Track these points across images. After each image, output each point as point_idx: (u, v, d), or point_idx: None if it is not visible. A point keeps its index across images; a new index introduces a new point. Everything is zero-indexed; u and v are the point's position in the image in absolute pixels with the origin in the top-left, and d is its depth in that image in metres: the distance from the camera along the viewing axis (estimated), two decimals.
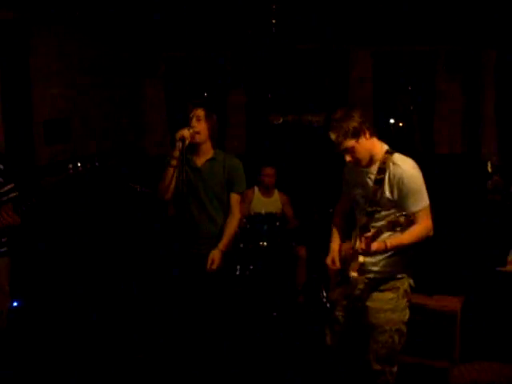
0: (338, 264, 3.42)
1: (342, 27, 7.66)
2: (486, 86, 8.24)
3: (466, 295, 4.81)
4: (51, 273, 5.82)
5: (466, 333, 4.60)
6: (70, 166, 3.79)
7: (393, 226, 2.95)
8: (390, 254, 3.24)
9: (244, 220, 5.67)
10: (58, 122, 6.76)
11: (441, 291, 4.84)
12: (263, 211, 5.87)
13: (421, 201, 3.15)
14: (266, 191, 6.29)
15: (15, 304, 5.18)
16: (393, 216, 3.07)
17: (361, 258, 3.16)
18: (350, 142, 3.18)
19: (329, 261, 3.45)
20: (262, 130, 8.95)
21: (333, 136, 3.22)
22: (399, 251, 3.22)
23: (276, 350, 4.92)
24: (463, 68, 8.32)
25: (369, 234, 3.05)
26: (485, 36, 7.74)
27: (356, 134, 3.16)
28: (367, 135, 3.20)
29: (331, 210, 4.84)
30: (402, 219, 2.92)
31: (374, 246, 3.02)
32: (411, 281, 3.38)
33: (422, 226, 3.13)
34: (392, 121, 9.03)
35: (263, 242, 5.62)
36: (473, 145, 8.39)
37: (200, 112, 3.93)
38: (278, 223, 5.74)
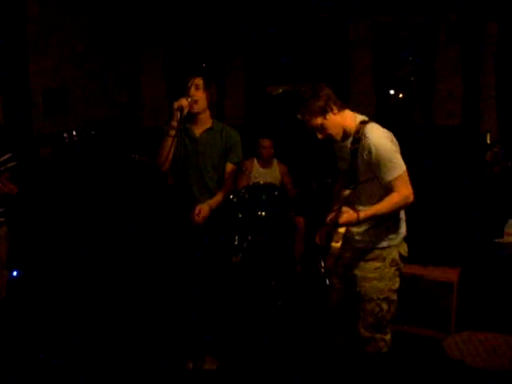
0: (323, 241, 3.44)
1: None
2: (486, 58, 8.20)
3: (463, 266, 4.84)
4: (49, 243, 5.84)
5: (462, 303, 4.64)
6: (66, 135, 3.80)
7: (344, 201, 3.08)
8: (373, 223, 3.25)
9: (242, 190, 5.67)
10: (56, 91, 6.73)
11: (438, 262, 4.86)
12: (262, 181, 5.87)
13: (394, 169, 3.10)
14: (265, 162, 6.29)
15: (14, 274, 5.21)
16: (377, 181, 3.14)
17: (341, 229, 3.20)
18: (318, 120, 3.19)
19: (317, 238, 3.50)
20: (260, 101, 8.91)
21: (299, 116, 3.24)
22: (382, 220, 3.23)
23: (274, 320, 4.96)
24: (464, 39, 8.27)
25: (335, 207, 3.11)
26: (487, 8, 7.68)
27: (322, 112, 3.17)
28: (335, 110, 3.19)
29: (329, 181, 4.86)
30: (345, 193, 3.07)
31: (344, 217, 3.06)
32: (402, 250, 3.37)
33: (399, 194, 3.10)
34: (392, 92, 9.00)
35: (261, 212, 5.62)
36: (472, 117, 8.37)
37: (198, 81, 3.89)
38: (276, 193, 5.72)
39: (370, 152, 3.11)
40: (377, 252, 3.32)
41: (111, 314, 5.03)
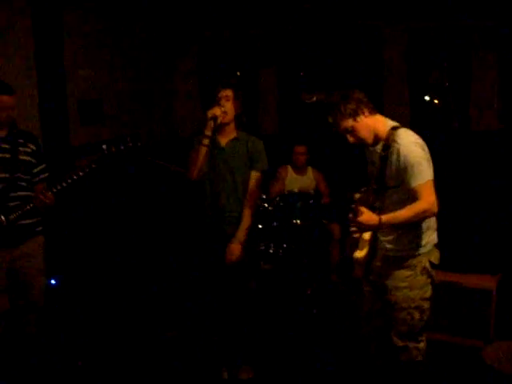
0: (348, 249, 3.48)
1: (375, 2, 7.56)
2: None
3: (503, 273, 4.76)
4: (87, 252, 5.92)
5: (501, 312, 4.56)
6: (104, 146, 3.85)
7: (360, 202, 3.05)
8: (402, 231, 3.22)
9: (277, 198, 5.68)
10: (92, 102, 6.83)
11: (477, 269, 4.79)
12: (297, 189, 5.87)
13: (420, 175, 3.06)
14: (300, 169, 6.29)
15: (53, 282, 5.29)
16: (405, 189, 3.10)
17: (366, 236, 3.17)
18: (348, 122, 3.18)
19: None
20: (294, 109, 8.91)
21: (330, 119, 3.24)
22: (411, 228, 3.20)
23: (309, 329, 4.94)
24: (499, 44, 8.16)
25: (353, 205, 3.06)
26: None
27: (353, 114, 3.16)
28: (366, 113, 3.18)
29: (364, 189, 4.83)
30: (356, 195, 3.07)
31: (364, 217, 3.00)
32: (433, 257, 3.33)
33: (423, 202, 3.05)
34: (427, 98, 8.91)
35: (296, 220, 5.62)
36: (509, 121, 8.24)
37: (229, 92, 3.94)
38: (311, 201, 5.72)
39: (398, 156, 3.10)
40: (407, 260, 3.29)
41: (148, 322, 5.07)
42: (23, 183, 3.96)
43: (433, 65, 8.71)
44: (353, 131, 3.21)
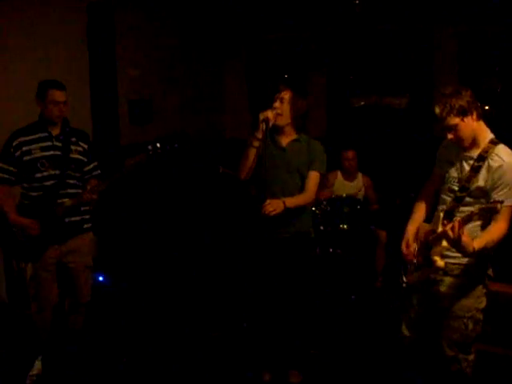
0: (411, 248, 3.35)
1: (425, 6, 7.46)
2: None
3: None
4: (135, 250, 5.98)
5: None
6: (150, 147, 3.90)
7: (486, 212, 2.81)
8: None
9: (324, 202, 5.64)
10: (141, 102, 6.91)
11: None
12: (344, 194, 5.82)
13: (511, 197, 3.02)
14: (349, 175, 6.22)
15: (100, 279, 5.36)
16: (484, 202, 3.01)
17: (444, 243, 3.06)
18: (455, 120, 3.08)
19: (403, 245, 3.40)
20: (343, 113, 8.84)
21: (437, 110, 3.11)
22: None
23: (353, 334, 4.89)
24: None
25: (458, 218, 2.93)
26: None
27: (462, 113, 3.06)
28: (474, 116, 3.10)
29: (412, 195, 4.76)
30: (498, 206, 2.78)
31: (465, 239, 2.86)
32: (490, 270, 3.28)
33: (501, 226, 3.01)
34: (486, 107, 8.73)
35: (343, 225, 5.58)
36: None
37: (285, 94, 3.88)
38: (358, 206, 5.67)
39: (500, 173, 3.04)
40: (465, 269, 3.23)
41: (193, 321, 5.08)
42: (73, 181, 4.03)
43: (485, 69, 8.55)
44: (456, 129, 3.12)
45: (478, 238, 3.02)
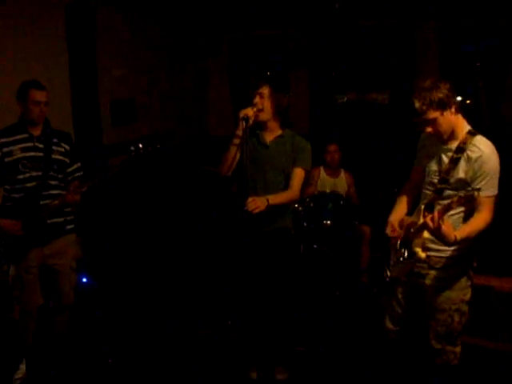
0: (398, 230, 3.34)
1: (406, 1, 7.49)
2: None
3: None
4: (119, 251, 5.95)
5: None
6: (132, 148, 3.88)
7: (465, 201, 2.83)
8: None
9: (308, 199, 5.64)
10: (124, 102, 6.88)
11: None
12: (327, 190, 5.82)
13: (492, 187, 3.07)
14: (332, 171, 6.20)
15: (84, 280, 5.33)
16: (464, 192, 3.02)
17: (425, 234, 3.07)
18: (434, 114, 3.09)
19: (388, 230, 3.38)
20: (325, 109, 8.86)
21: (417, 104, 3.11)
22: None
23: (339, 330, 4.91)
24: None
25: (439, 207, 2.97)
26: None
27: (441, 106, 3.07)
28: (453, 109, 3.12)
29: (395, 190, 4.78)
30: (475, 194, 2.83)
31: (445, 228, 2.89)
32: (474, 262, 3.31)
33: (487, 215, 3.05)
34: (459, 98, 8.78)
35: (327, 221, 5.58)
36: None
37: (264, 89, 3.85)
38: (342, 202, 5.67)
39: (479, 164, 3.06)
40: (449, 262, 3.25)
41: (181, 319, 5.07)
42: (55, 182, 4.00)
43: (465, 64, 8.60)
44: (434, 123, 3.13)
45: (461, 227, 3.06)
